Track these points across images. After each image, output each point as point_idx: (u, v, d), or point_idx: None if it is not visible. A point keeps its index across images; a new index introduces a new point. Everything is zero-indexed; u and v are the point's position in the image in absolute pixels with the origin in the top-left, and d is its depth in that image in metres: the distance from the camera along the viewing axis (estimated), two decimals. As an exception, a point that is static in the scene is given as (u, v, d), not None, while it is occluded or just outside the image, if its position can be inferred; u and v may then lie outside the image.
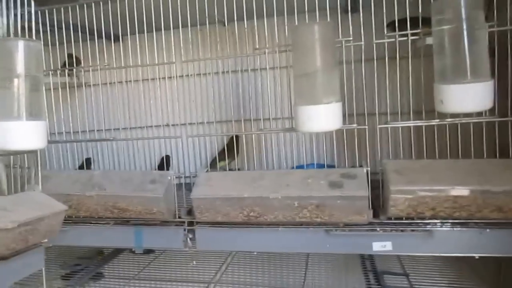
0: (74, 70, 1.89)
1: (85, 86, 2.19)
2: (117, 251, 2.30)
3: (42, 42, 1.69)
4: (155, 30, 1.66)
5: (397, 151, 1.60)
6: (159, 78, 1.78)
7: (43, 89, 1.40)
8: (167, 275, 2.04)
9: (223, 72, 1.74)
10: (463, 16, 1.20)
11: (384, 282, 1.75)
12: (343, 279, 1.98)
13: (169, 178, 1.57)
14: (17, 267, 1.39)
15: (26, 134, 1.29)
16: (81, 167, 1.97)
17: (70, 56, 1.92)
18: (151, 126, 1.86)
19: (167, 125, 1.82)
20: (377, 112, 1.49)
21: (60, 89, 1.89)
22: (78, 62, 1.93)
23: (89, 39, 1.76)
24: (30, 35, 1.55)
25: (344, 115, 1.43)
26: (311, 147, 1.94)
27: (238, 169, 1.94)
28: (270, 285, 1.95)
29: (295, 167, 1.90)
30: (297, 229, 1.49)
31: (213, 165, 1.95)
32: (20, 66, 1.29)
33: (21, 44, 1.30)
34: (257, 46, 1.61)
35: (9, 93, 1.28)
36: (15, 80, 1.29)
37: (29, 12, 1.55)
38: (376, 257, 1.99)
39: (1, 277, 1.33)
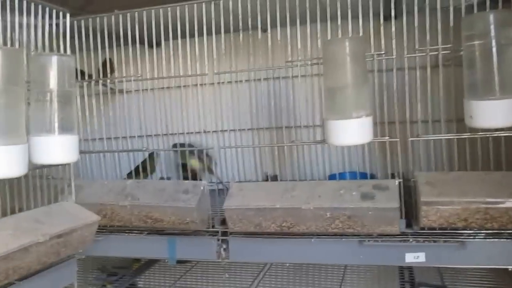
0: (108, 78, 2.08)
1: (118, 92, 2.39)
2: (153, 260, 2.49)
3: (76, 50, 1.90)
4: (189, 37, 1.84)
5: (429, 162, 1.73)
6: (191, 85, 1.97)
7: (76, 103, 1.57)
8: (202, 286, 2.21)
9: (254, 80, 1.90)
10: (493, 32, 1.30)
11: (421, 294, 1.88)
12: (380, 291, 2.12)
13: (202, 188, 1.73)
14: (47, 282, 1.52)
15: (58, 149, 1.43)
16: (144, 163, 2.16)
17: (104, 63, 2.11)
18: (183, 133, 2.04)
19: (199, 132, 1.99)
20: (408, 126, 1.63)
21: (94, 95, 2.09)
22: (112, 68, 2.14)
23: (123, 45, 1.94)
24: (65, 44, 1.72)
25: (375, 125, 1.57)
26: (343, 156, 2.08)
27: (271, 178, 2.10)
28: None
29: (328, 176, 2.04)
30: (330, 239, 1.63)
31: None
32: (53, 81, 1.42)
33: (54, 59, 1.43)
34: (290, 58, 1.77)
35: (42, 108, 1.41)
36: (48, 95, 1.41)
37: (64, 23, 1.74)
38: (415, 268, 2.09)
39: None
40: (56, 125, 1.43)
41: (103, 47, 1.99)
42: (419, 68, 1.62)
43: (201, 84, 1.90)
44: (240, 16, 1.78)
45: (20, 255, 1.29)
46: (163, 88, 2.06)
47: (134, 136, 2.05)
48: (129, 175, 2.13)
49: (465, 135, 1.58)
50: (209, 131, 1.93)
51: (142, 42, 1.96)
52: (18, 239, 1.29)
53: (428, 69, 1.61)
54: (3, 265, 1.23)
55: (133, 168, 2.14)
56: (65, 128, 1.44)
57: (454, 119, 1.62)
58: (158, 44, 1.95)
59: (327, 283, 2.17)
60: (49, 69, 1.44)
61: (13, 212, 1.49)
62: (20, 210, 1.52)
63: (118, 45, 1.96)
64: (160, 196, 1.74)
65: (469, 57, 1.37)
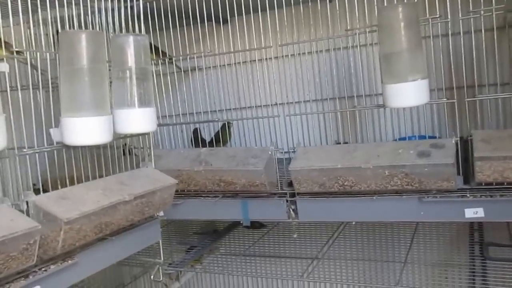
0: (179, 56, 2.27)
1: (192, 70, 2.59)
2: (231, 226, 2.69)
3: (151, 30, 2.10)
4: (253, 12, 1.97)
5: (498, 121, 1.79)
6: (256, 60, 2.11)
7: (152, 79, 1.76)
8: (274, 251, 2.38)
9: (316, 52, 2.02)
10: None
11: (488, 253, 1.93)
12: (448, 251, 2.20)
13: (270, 152, 1.88)
14: (136, 239, 1.74)
15: (138, 120, 1.66)
16: (217, 134, 2.38)
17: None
18: (252, 107, 2.20)
19: (267, 105, 2.15)
20: (465, 85, 1.70)
21: (168, 75, 2.30)
22: (163, 53, 2.34)
23: (193, 24, 2.12)
24: (139, 24, 1.89)
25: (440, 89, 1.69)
26: (412, 120, 2.16)
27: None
28: (374, 259, 2.22)
29: (397, 139, 2.14)
30: (391, 197, 1.73)
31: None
32: (130, 59, 1.62)
33: (131, 39, 1.63)
34: (349, 27, 1.88)
35: (123, 84, 1.63)
36: (127, 72, 1.63)
37: (138, 6, 1.90)
38: (485, 229, 2.16)
39: (122, 248, 1.68)
40: (136, 99, 1.64)
41: (174, 27, 2.18)
42: (475, 31, 1.69)
43: (266, 58, 2.04)
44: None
45: (110, 211, 1.50)
46: (232, 64, 2.22)
47: (207, 111, 2.24)
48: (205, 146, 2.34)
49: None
50: (275, 104, 2.07)
51: (210, 20, 2.13)
52: (108, 197, 1.50)
53: (483, 31, 1.67)
54: (96, 219, 1.45)
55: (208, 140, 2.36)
56: (143, 102, 1.66)
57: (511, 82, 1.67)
58: (225, 21, 2.11)
59: (400, 242, 2.27)
60: (126, 49, 1.64)
61: (101, 176, 1.72)
62: (108, 175, 1.75)
63: (188, 24, 2.14)
64: (231, 161, 1.92)
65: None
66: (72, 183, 1.58)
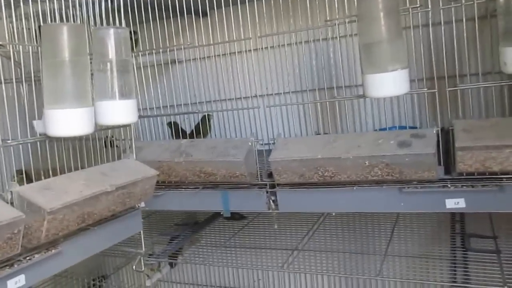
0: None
1: (171, 63, 2.57)
2: (212, 218, 2.68)
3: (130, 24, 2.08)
4: (232, 4, 1.97)
5: (480, 110, 1.80)
6: (235, 53, 2.10)
7: (132, 71, 1.76)
8: (255, 242, 2.38)
9: (295, 43, 2.02)
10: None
11: (470, 244, 1.94)
12: (429, 242, 2.22)
13: (250, 143, 1.88)
14: (118, 229, 1.75)
15: (119, 111, 1.66)
16: (197, 126, 2.38)
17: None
18: (232, 99, 2.20)
19: (247, 97, 2.15)
20: (445, 75, 1.70)
21: (149, 67, 2.29)
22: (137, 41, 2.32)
23: (173, 17, 2.11)
24: (119, 17, 1.88)
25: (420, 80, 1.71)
26: (392, 111, 2.17)
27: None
28: (355, 251, 2.23)
29: (378, 130, 2.15)
30: (371, 187, 1.74)
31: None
32: (111, 51, 1.63)
33: (111, 31, 1.63)
34: (328, 18, 1.88)
35: (103, 76, 1.63)
36: (108, 64, 1.63)
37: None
38: (467, 221, 2.17)
39: (104, 238, 1.69)
40: (117, 90, 1.64)
41: (154, 19, 2.16)
42: (456, 21, 1.70)
43: (245, 51, 2.04)
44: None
45: (93, 202, 1.50)
46: (212, 56, 2.21)
47: (187, 104, 2.23)
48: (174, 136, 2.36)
49: (503, 83, 1.66)
50: (255, 96, 2.06)
51: (189, 13, 2.12)
52: (90, 188, 1.50)
53: (464, 21, 1.68)
54: (79, 209, 1.45)
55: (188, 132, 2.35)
56: (124, 93, 1.66)
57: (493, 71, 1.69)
58: (204, 14, 2.10)
59: (380, 233, 2.28)
60: (107, 41, 1.64)
61: (83, 168, 1.72)
62: (90, 167, 1.75)
63: (167, 17, 2.13)
64: (212, 152, 1.91)
65: (505, 5, 1.44)
66: (55, 174, 1.59)
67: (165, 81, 2.29)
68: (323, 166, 1.72)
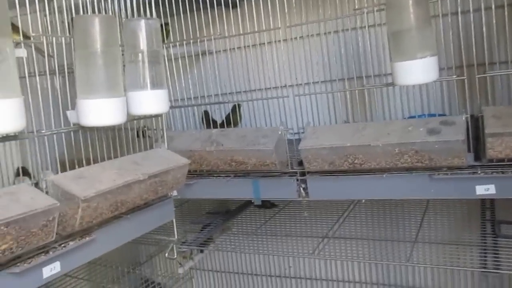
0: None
1: (202, 54, 2.59)
2: (243, 206, 2.69)
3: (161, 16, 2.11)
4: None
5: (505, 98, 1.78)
6: (265, 43, 2.11)
7: (163, 61, 1.79)
8: (286, 230, 2.40)
9: (324, 33, 2.02)
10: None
11: (500, 231, 1.92)
12: (459, 229, 2.20)
13: (279, 132, 1.90)
14: (150, 217, 1.78)
15: (151, 101, 1.70)
16: (228, 116, 2.38)
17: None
18: (261, 89, 2.22)
19: (276, 87, 2.16)
20: (475, 63, 1.68)
21: (180, 58, 2.31)
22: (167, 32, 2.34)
23: (203, 8, 2.13)
24: (151, 9, 1.93)
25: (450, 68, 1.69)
26: (422, 98, 2.15)
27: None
28: (385, 238, 2.22)
29: (407, 118, 2.14)
30: (401, 175, 1.74)
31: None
32: (142, 42, 1.67)
33: (142, 23, 1.67)
34: (357, 6, 1.88)
35: (135, 67, 1.67)
36: (139, 55, 1.67)
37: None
38: (497, 207, 2.15)
39: (137, 226, 1.72)
40: (148, 80, 1.68)
41: (184, 12, 2.19)
42: (486, 8, 1.68)
43: (275, 41, 2.05)
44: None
45: (125, 190, 1.53)
46: (242, 47, 2.22)
47: (217, 94, 2.25)
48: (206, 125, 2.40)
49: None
50: (284, 86, 2.07)
51: (219, 4, 2.14)
52: (123, 176, 1.54)
53: (493, 8, 1.66)
54: (112, 197, 1.48)
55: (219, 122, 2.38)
56: (155, 83, 1.70)
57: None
58: (234, 5, 2.12)
59: (410, 220, 2.27)
60: (138, 32, 1.68)
61: (116, 157, 1.76)
62: (121, 156, 1.79)
63: (198, 9, 2.15)
64: (242, 141, 1.93)
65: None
66: (88, 163, 1.62)
67: (196, 72, 2.32)
68: (352, 153, 1.73)
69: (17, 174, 1.94)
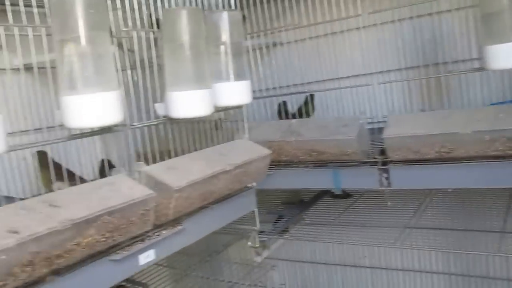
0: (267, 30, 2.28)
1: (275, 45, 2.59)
2: (318, 196, 2.69)
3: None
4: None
5: None
6: (338, 32, 2.09)
7: (245, 52, 1.79)
8: (364, 220, 2.36)
9: (398, 20, 1.97)
10: None
11: None
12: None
13: (361, 121, 1.87)
14: (234, 207, 1.80)
15: (235, 92, 1.71)
16: (300, 108, 2.38)
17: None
18: (340, 78, 2.19)
19: (349, 76, 2.13)
20: None
21: (252, 50, 2.31)
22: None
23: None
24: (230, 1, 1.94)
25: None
26: (504, 84, 2.07)
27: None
28: (471, 228, 2.15)
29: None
30: (491, 163, 1.68)
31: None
32: (225, 34, 1.68)
33: (224, 15, 1.68)
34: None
35: (218, 59, 1.68)
36: (222, 47, 1.68)
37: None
38: None
39: (222, 215, 1.75)
40: (232, 72, 1.69)
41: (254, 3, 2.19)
42: None
43: (355, 28, 2.02)
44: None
45: (214, 180, 1.55)
46: (315, 37, 2.20)
47: (290, 85, 2.25)
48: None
49: None
50: (357, 75, 2.04)
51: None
52: (211, 167, 1.56)
53: None
54: (202, 188, 1.50)
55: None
56: (238, 75, 1.71)
57: None
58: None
59: (492, 211, 2.19)
60: (220, 24, 1.69)
61: (197, 149, 1.78)
62: (203, 148, 1.81)
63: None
64: (323, 131, 1.91)
65: None
66: (170, 155, 1.64)
67: (268, 63, 2.31)
68: (439, 142, 1.68)
69: (102, 166, 1.99)
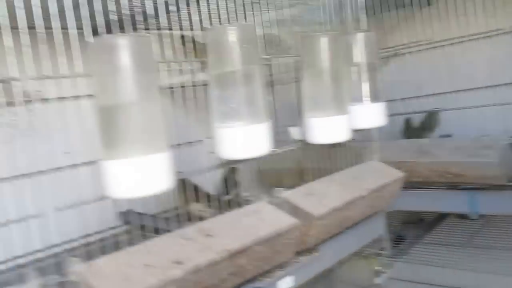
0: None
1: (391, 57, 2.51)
2: (440, 218, 2.57)
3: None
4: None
5: None
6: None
7: (377, 74, 1.73)
8: (495, 244, 2.20)
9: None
10: None
11: None
12: None
13: (504, 143, 1.76)
14: (365, 231, 1.74)
15: (370, 115, 1.67)
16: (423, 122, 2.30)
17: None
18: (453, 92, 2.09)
19: (471, 89, 2.01)
20: None
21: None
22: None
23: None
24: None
25: None
26: None
27: None
28: None
29: None
30: None
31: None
32: (359, 55, 1.65)
33: (360, 36, 1.65)
34: None
35: (354, 82, 1.65)
36: (357, 69, 1.65)
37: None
38: None
39: (354, 240, 1.69)
40: (367, 94, 1.65)
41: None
42: None
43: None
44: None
45: (350, 206, 1.51)
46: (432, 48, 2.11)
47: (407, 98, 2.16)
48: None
49: None
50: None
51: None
52: (347, 193, 1.51)
53: None
54: (339, 214, 1.47)
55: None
56: (373, 97, 1.67)
57: None
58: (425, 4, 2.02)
59: None
60: (354, 46, 1.65)
61: (327, 171, 1.71)
62: (333, 169, 1.74)
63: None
64: (460, 153, 1.82)
65: None
66: (303, 177, 1.61)
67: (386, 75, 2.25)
68: None
69: (225, 185, 2.01)
